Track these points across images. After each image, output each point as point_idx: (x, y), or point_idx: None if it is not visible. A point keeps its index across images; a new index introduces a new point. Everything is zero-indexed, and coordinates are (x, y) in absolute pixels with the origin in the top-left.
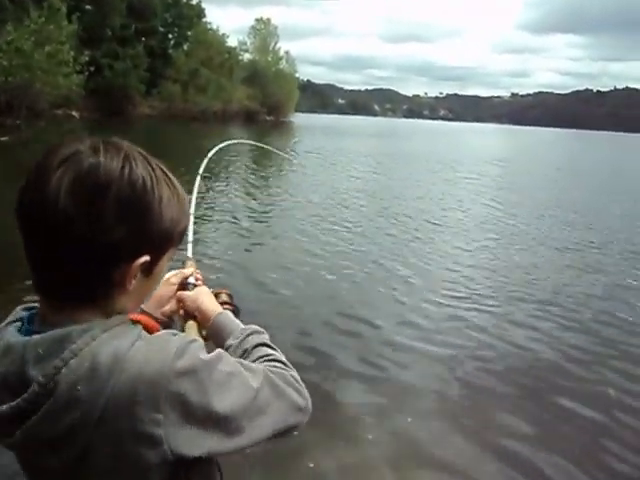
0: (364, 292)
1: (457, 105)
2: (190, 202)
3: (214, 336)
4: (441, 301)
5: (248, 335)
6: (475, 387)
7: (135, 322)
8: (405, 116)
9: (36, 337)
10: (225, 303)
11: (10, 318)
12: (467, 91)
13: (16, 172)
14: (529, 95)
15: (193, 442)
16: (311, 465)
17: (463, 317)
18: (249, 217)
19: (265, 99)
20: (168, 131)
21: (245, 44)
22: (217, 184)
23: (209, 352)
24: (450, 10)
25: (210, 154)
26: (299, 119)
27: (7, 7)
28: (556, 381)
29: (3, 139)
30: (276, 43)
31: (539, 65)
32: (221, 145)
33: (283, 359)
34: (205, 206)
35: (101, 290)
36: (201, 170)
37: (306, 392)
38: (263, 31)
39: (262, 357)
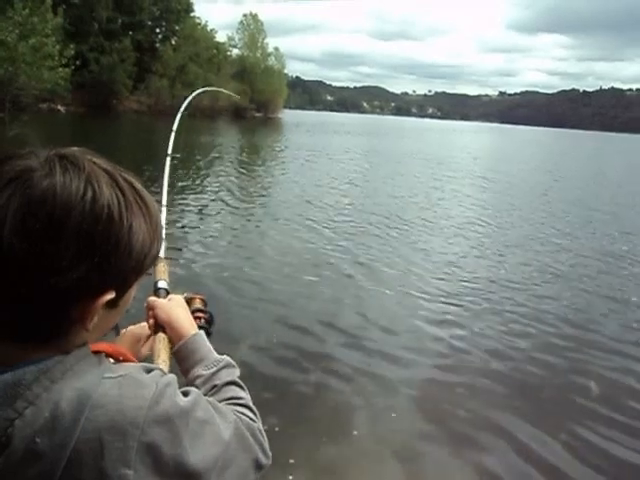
0: (347, 291)
1: (445, 103)
2: (162, 191)
3: (183, 358)
4: (424, 299)
5: (220, 369)
6: (459, 385)
7: (97, 352)
8: (393, 114)
9: None
10: (198, 311)
11: None
12: (455, 89)
13: None
14: (517, 94)
15: None
16: (292, 461)
17: (446, 314)
18: (229, 214)
19: (254, 95)
20: (155, 127)
21: (234, 40)
22: (194, 183)
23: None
24: (439, 8)
25: (181, 109)
26: (288, 115)
27: None
28: (533, 377)
29: None
30: (264, 39)
31: (526, 64)
32: (190, 97)
33: (251, 405)
34: (182, 202)
35: (57, 329)
36: (169, 150)
37: (268, 449)
38: (252, 27)
39: (231, 399)
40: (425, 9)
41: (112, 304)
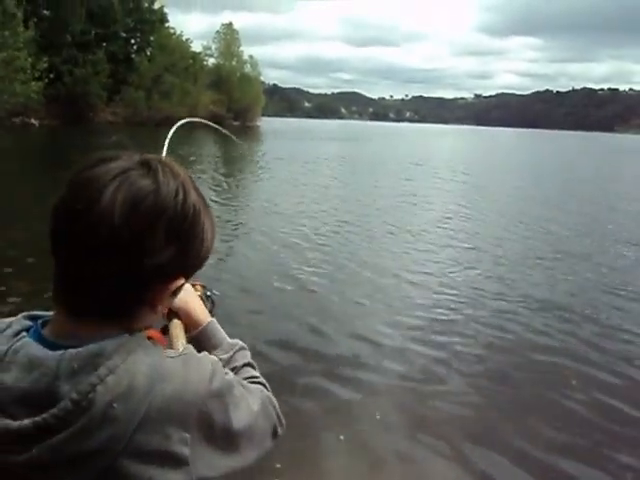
0: (329, 299)
1: (422, 107)
2: None
3: (201, 343)
4: (408, 307)
5: (236, 352)
6: (441, 391)
7: (149, 338)
8: (371, 119)
9: (71, 351)
10: (201, 297)
11: (15, 326)
12: (432, 93)
13: None
14: (492, 96)
15: (212, 463)
16: (278, 466)
17: (431, 322)
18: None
19: (231, 104)
20: (134, 138)
21: (210, 49)
22: None
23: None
24: (412, 15)
25: (170, 134)
26: (266, 123)
27: None
28: (521, 378)
29: None
30: (239, 47)
31: (500, 67)
32: (178, 124)
33: (266, 382)
34: None
35: (132, 309)
36: (164, 153)
37: (283, 419)
38: (227, 36)
39: (251, 377)
40: (399, 15)
41: (174, 293)
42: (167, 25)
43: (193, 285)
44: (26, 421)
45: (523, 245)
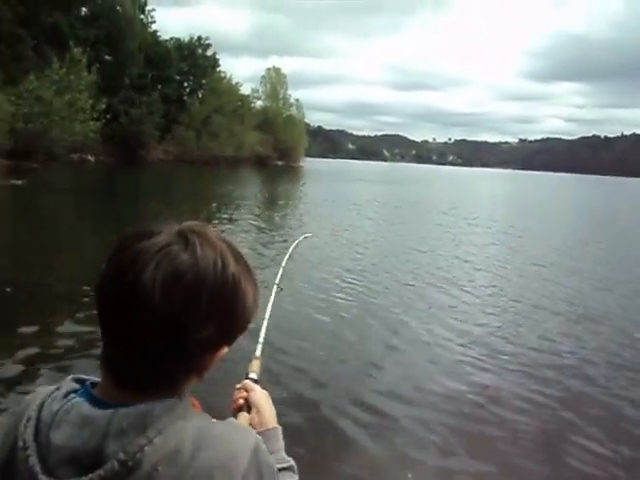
0: (369, 340)
1: (465, 150)
2: (267, 307)
3: None
4: (450, 348)
5: (285, 469)
6: (492, 438)
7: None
8: (414, 161)
9: (122, 410)
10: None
11: (65, 388)
12: (475, 137)
13: (24, 214)
14: (537, 141)
15: None
16: None
17: (473, 366)
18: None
19: (276, 144)
20: (182, 176)
21: (257, 92)
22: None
23: None
24: (456, 59)
25: (290, 250)
26: (309, 164)
27: (29, 57)
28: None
29: (18, 182)
30: (286, 90)
31: (545, 112)
32: (298, 240)
33: None
34: None
35: (178, 377)
36: (277, 280)
37: None
38: (274, 79)
39: None
40: (443, 61)
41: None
42: (218, 69)
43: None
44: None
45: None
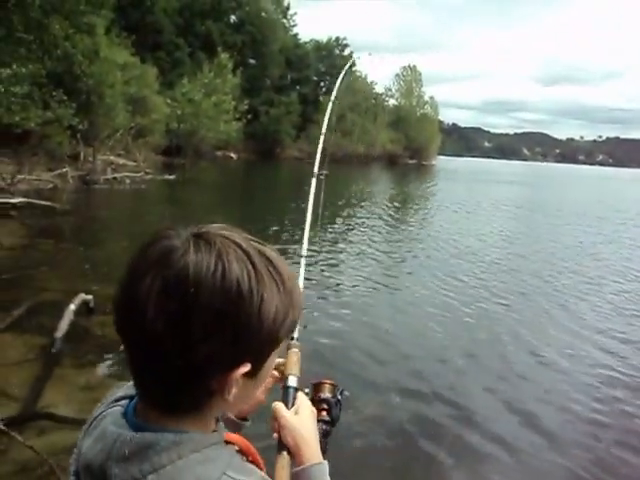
0: (495, 353)
1: (618, 150)
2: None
3: None
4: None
5: None
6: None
7: (229, 442)
8: (557, 161)
9: (129, 435)
10: (325, 401)
11: (121, 392)
12: (630, 135)
13: (173, 205)
14: None
15: None
16: None
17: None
18: (371, 269)
19: (408, 143)
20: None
21: (390, 90)
22: (345, 222)
23: None
24: (608, 51)
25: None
26: (442, 162)
27: (185, 63)
28: None
29: (170, 177)
30: (420, 88)
31: None
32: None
33: None
34: (325, 255)
35: (197, 399)
36: (316, 169)
37: None
38: (408, 77)
39: None
40: (593, 52)
41: (251, 374)
42: (354, 68)
43: (321, 383)
44: None
45: None
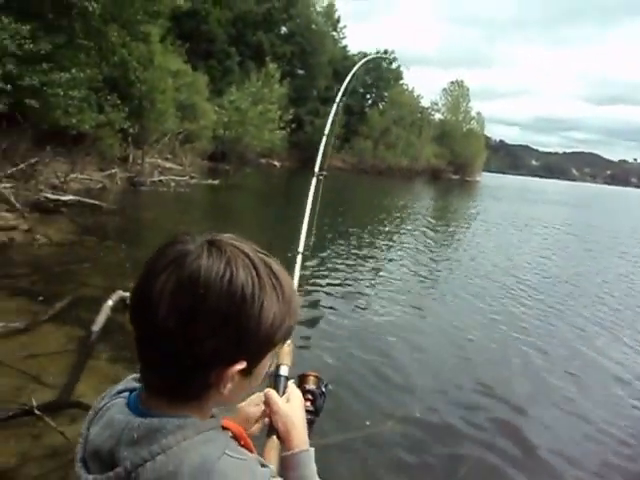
0: (529, 377)
1: None
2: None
3: (286, 468)
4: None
5: None
6: None
7: (225, 428)
8: (607, 182)
9: (137, 421)
10: (309, 392)
11: (121, 386)
12: None
13: (216, 209)
14: None
15: None
16: None
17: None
18: (404, 282)
19: (452, 158)
20: (357, 185)
21: (437, 104)
22: (377, 248)
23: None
24: None
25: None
26: (486, 179)
27: (235, 72)
28: None
29: (214, 182)
30: (467, 103)
31: None
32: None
33: None
34: (364, 266)
35: (196, 390)
36: (316, 168)
37: None
38: (455, 92)
39: None
40: None
41: (246, 372)
42: (401, 82)
43: (307, 375)
44: (94, 476)
45: None
